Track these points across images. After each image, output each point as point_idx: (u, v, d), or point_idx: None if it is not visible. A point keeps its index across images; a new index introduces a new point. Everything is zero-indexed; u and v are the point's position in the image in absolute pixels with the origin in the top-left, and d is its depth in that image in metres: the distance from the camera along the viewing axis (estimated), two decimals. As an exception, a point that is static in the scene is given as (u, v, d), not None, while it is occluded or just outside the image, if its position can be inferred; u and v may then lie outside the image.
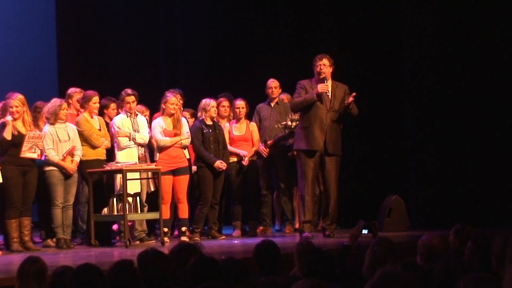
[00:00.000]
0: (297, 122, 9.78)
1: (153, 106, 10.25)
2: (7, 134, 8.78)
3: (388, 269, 3.36)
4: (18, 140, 8.84)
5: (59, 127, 9.20)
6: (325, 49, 10.45)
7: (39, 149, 8.96)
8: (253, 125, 10.40)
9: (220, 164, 9.79)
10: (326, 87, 9.26)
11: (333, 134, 9.33)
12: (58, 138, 9.16)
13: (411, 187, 10.58)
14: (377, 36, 11.21)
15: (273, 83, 10.63)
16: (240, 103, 10.33)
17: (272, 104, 10.60)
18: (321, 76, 9.31)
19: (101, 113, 9.93)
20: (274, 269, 5.27)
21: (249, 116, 10.55)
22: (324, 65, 9.34)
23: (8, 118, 8.84)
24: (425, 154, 10.32)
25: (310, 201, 9.28)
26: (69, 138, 9.21)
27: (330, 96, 9.30)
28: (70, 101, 9.79)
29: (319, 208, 10.08)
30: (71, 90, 9.91)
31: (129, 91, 9.60)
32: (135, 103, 9.62)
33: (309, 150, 9.29)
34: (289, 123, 10.16)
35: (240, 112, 10.31)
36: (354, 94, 9.27)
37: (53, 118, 9.17)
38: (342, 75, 10.02)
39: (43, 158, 9.14)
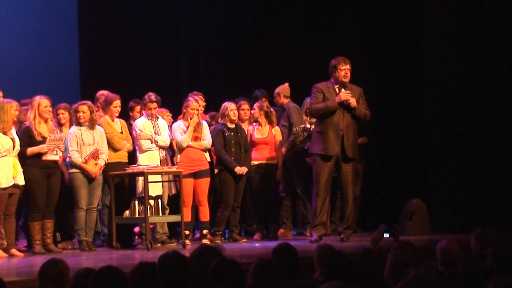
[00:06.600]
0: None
1: (174, 109, 10.28)
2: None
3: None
4: (41, 143, 8.89)
5: (85, 130, 9.26)
6: (345, 50, 10.42)
7: (61, 151, 9.01)
8: (276, 129, 10.31)
9: (240, 170, 9.79)
10: (349, 94, 9.14)
11: (351, 138, 9.23)
12: (82, 141, 9.19)
13: (432, 190, 10.53)
14: (397, 37, 11.17)
15: (276, 90, 10.65)
16: (245, 106, 10.25)
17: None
18: (345, 80, 9.24)
19: (127, 115, 10.00)
20: (294, 272, 5.25)
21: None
22: (349, 70, 9.23)
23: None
24: (446, 157, 10.28)
25: (320, 205, 9.21)
26: (94, 142, 9.24)
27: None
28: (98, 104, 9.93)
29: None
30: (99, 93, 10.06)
31: (152, 97, 9.58)
32: (157, 109, 9.66)
33: (324, 155, 9.22)
34: (308, 126, 10.13)
35: (245, 114, 10.24)
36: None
37: (76, 122, 9.27)
38: (362, 76, 9.98)
39: (67, 160, 9.20)
